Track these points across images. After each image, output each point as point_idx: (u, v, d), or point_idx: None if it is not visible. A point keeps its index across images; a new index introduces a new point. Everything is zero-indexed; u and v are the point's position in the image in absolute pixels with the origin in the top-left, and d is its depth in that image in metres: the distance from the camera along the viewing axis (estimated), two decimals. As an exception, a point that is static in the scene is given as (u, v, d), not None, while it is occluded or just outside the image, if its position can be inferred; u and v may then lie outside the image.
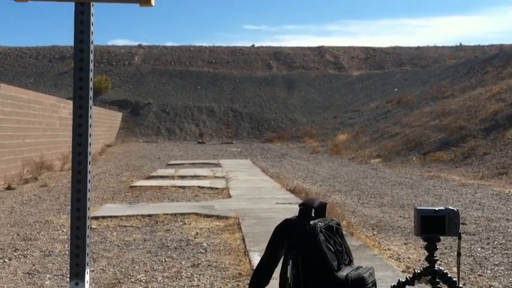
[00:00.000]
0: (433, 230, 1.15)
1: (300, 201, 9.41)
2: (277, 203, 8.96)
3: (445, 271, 1.18)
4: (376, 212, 8.49)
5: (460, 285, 1.17)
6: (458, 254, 1.17)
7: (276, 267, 1.54)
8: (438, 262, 5.13)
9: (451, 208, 1.14)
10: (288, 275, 1.39)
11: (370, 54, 49.50)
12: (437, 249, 1.18)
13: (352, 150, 22.49)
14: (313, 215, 1.42)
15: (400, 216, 8.01)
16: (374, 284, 1.18)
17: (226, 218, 7.54)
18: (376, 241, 6.32)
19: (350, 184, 12.52)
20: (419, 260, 5.50)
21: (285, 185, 11.73)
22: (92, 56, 1.88)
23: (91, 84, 1.89)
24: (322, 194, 10.11)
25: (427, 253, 1.18)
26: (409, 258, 5.56)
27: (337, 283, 1.14)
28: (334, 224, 1.24)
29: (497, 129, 17.32)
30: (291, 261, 1.46)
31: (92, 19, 1.85)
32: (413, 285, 1.20)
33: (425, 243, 1.18)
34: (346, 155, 21.65)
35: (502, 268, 5.15)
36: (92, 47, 1.87)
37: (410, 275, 1.20)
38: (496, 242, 6.26)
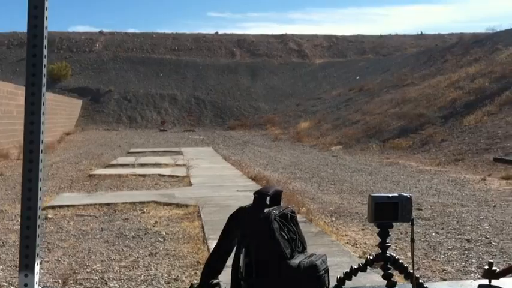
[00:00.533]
0: (386, 216, 1.13)
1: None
2: (238, 191, 8.96)
3: (396, 257, 1.17)
4: (335, 199, 8.57)
5: (412, 271, 1.15)
6: (412, 240, 1.16)
7: (229, 255, 1.50)
8: (393, 247, 5.19)
9: (404, 194, 1.13)
10: (241, 264, 1.36)
11: (333, 42, 49.84)
12: (389, 235, 1.16)
13: (314, 138, 22.66)
14: (268, 203, 1.39)
15: (359, 203, 8.11)
16: (326, 271, 1.16)
17: (186, 206, 7.49)
18: (334, 227, 6.39)
19: (311, 171, 12.61)
20: (375, 245, 5.58)
21: (246, 172, 11.73)
22: (45, 42, 1.80)
23: (44, 71, 1.82)
24: (283, 181, 10.15)
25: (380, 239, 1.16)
26: (365, 243, 5.63)
27: (289, 271, 1.12)
28: (288, 211, 1.22)
29: (455, 116, 17.71)
30: (244, 249, 1.42)
31: (47, 3, 1.77)
32: (365, 271, 1.18)
33: (378, 229, 1.17)
34: (308, 143, 21.81)
35: (455, 252, 5.27)
36: (45, 33, 1.79)
37: (363, 262, 1.19)
38: (450, 227, 6.41)
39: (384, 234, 1.18)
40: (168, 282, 4.27)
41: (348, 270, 1.21)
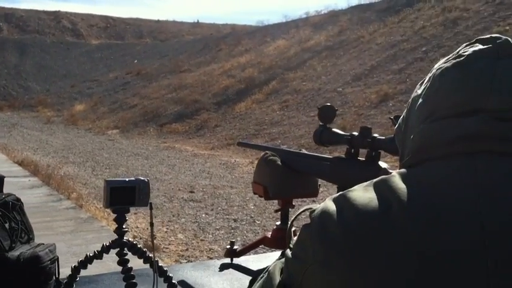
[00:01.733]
0: (123, 201, 1.09)
1: (28, 174, 8.75)
2: None
3: (134, 242, 1.14)
4: (109, 184, 8.36)
5: (152, 255, 1.13)
6: (151, 224, 1.14)
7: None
8: (164, 230, 5.20)
9: (142, 178, 1.10)
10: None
11: (110, 23, 48.40)
12: (126, 220, 1.12)
13: (90, 121, 21.84)
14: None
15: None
16: (54, 261, 1.08)
17: None
18: (106, 213, 6.22)
19: (85, 155, 12.13)
20: (147, 228, 5.59)
21: (12, 157, 10.79)
22: None
23: None
24: (53, 166, 9.58)
25: (116, 225, 1.12)
26: (137, 227, 5.61)
27: (7, 264, 1.01)
28: (11, 199, 1.10)
29: (228, 103, 18.60)
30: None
31: None
32: (101, 258, 1.13)
33: (115, 215, 1.12)
34: (83, 126, 20.94)
35: (222, 232, 5.55)
36: None
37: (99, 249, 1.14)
38: (219, 208, 6.72)
39: (120, 220, 1.14)
40: None
41: (83, 258, 1.14)
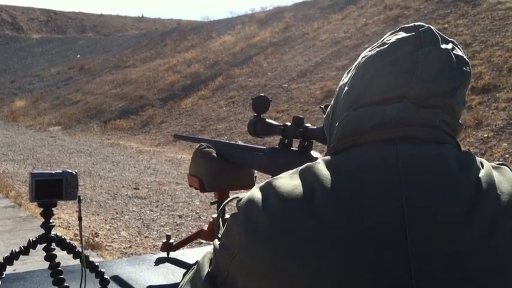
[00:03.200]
0: (49, 194, 1.05)
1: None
2: None
3: (63, 237, 1.10)
4: (50, 182, 8.13)
5: (81, 250, 1.10)
6: (80, 219, 1.10)
7: None
8: (107, 227, 5.10)
9: (69, 171, 1.06)
10: None
11: (51, 17, 47.03)
12: (53, 214, 1.08)
13: (31, 118, 21.16)
14: None
15: (75, 185, 7.84)
16: None
17: None
18: (46, 212, 6.05)
19: (25, 153, 11.75)
20: (89, 226, 5.47)
21: None
22: None
23: None
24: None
25: (43, 219, 1.08)
26: (73, 226, 5.47)
27: None
28: None
29: (174, 99, 18.40)
30: None
31: None
32: (27, 254, 1.09)
33: (42, 209, 1.08)
34: (24, 123, 20.27)
35: (167, 228, 5.49)
36: None
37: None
38: (164, 205, 6.64)
39: (47, 214, 1.10)
40: None
41: (9, 254, 1.10)
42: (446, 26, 12.46)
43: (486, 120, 7.88)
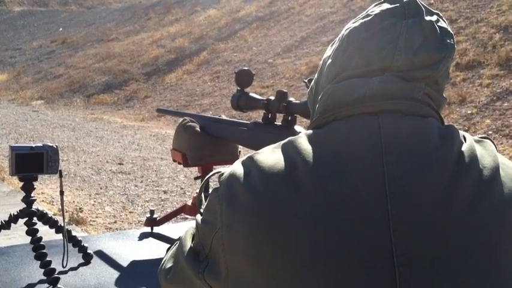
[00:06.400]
0: (30, 168, 1.03)
1: None
2: None
3: (44, 211, 1.09)
4: (33, 157, 8.06)
5: (63, 224, 1.09)
6: (61, 193, 1.09)
7: None
8: (92, 202, 5.08)
9: (50, 144, 1.04)
10: None
11: (33, -11, 46.05)
12: (34, 188, 1.07)
13: (13, 92, 20.87)
14: None
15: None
16: None
17: None
18: (29, 187, 6.01)
19: (7, 127, 11.62)
20: (73, 201, 5.45)
21: None
22: None
23: None
24: (-28, 140, 9.12)
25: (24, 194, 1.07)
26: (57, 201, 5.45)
27: None
28: None
29: (158, 73, 18.24)
30: None
31: None
32: (9, 228, 1.08)
33: (22, 183, 1.07)
34: (5, 97, 20.00)
35: (152, 204, 5.49)
36: None
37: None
38: (149, 180, 6.63)
39: (28, 188, 1.09)
40: None
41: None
42: (432, 1, 12.42)
43: (470, 96, 7.93)
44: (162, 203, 5.63)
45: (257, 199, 0.70)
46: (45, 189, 5.93)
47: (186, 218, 1.74)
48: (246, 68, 1.29)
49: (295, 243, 0.67)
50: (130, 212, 5.19)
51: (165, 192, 6.09)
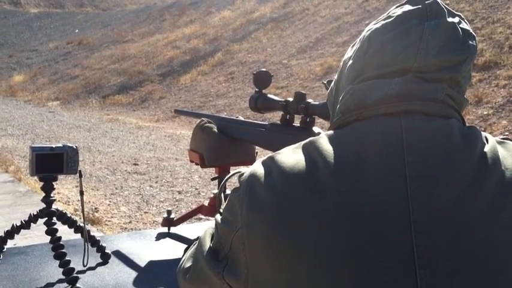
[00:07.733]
0: (50, 169, 1.04)
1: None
2: None
3: (63, 211, 1.10)
4: (49, 157, 8.13)
5: (83, 224, 1.10)
6: (81, 193, 1.10)
7: None
8: (107, 202, 5.12)
9: (70, 145, 1.05)
10: None
11: (49, -9, 46.48)
12: (54, 189, 1.07)
13: (29, 92, 21.09)
14: None
15: (75, 160, 7.84)
16: None
17: None
18: (46, 187, 6.06)
19: (24, 128, 11.73)
20: (89, 201, 5.49)
21: None
22: None
23: None
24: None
25: (44, 194, 1.08)
26: (79, 200, 5.49)
27: None
28: None
29: (173, 74, 18.32)
30: None
31: None
32: (28, 228, 1.09)
33: (42, 183, 1.08)
34: (22, 97, 20.21)
35: (167, 204, 5.51)
36: None
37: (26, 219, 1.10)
38: (163, 180, 6.66)
39: (48, 188, 1.10)
40: None
41: (10, 228, 1.10)
42: (448, 2, 12.33)
43: (486, 97, 7.85)
44: (177, 203, 5.65)
45: (278, 199, 0.70)
46: (61, 189, 5.97)
47: (201, 219, 1.75)
48: (264, 70, 1.29)
49: (316, 242, 0.67)
50: (145, 212, 5.22)
51: (179, 192, 6.11)
